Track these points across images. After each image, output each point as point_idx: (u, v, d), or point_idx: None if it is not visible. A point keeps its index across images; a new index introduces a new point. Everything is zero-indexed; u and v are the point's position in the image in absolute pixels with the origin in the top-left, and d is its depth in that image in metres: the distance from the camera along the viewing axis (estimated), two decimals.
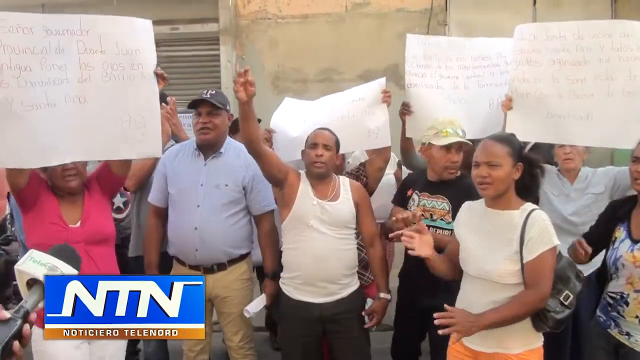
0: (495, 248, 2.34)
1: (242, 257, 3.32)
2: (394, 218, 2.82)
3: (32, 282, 1.35)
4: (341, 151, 3.43)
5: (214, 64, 8.63)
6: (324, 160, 2.91)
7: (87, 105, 2.58)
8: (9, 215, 5.02)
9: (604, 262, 2.76)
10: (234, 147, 3.28)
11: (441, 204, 3.06)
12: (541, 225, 2.28)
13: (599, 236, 2.75)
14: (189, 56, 8.89)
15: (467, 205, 2.58)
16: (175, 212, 3.22)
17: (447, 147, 3.02)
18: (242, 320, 3.31)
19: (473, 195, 2.56)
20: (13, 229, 4.82)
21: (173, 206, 3.23)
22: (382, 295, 3.06)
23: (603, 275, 2.78)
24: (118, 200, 3.90)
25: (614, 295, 2.64)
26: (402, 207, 3.15)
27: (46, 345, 2.63)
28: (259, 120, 4.62)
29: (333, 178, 3.02)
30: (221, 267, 3.23)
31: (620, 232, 2.65)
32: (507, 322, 2.27)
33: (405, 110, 3.58)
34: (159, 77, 2.79)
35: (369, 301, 3.11)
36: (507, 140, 2.42)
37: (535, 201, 2.61)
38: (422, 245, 2.42)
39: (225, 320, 3.32)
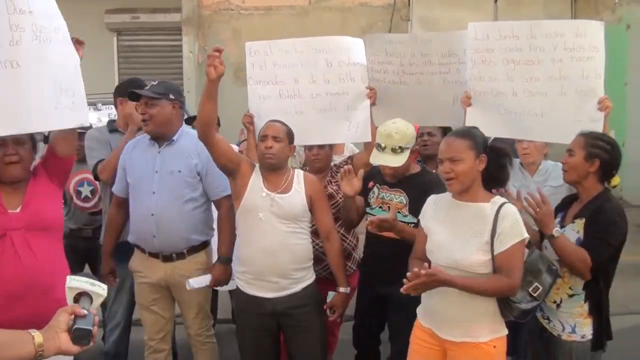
0: (465, 239, 2.34)
1: (202, 247, 3.27)
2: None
3: (78, 297, 1.57)
4: (321, 142, 3.45)
5: (176, 54, 8.54)
6: (273, 152, 2.86)
7: (20, 71, 2.37)
8: None
9: None
10: (188, 135, 3.25)
11: (398, 197, 3.08)
12: (513, 219, 2.30)
13: None
14: (151, 46, 8.77)
15: (432, 199, 2.58)
16: (134, 200, 3.20)
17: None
18: (200, 306, 3.29)
19: (431, 192, 2.59)
20: None
21: (131, 195, 3.22)
22: (341, 289, 3.04)
23: None
24: (85, 189, 3.82)
25: None
26: (364, 198, 3.18)
27: None
28: (218, 124, 4.56)
29: (287, 170, 2.96)
30: (180, 256, 3.20)
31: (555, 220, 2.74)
32: (473, 291, 2.31)
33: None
34: (76, 43, 2.66)
35: (331, 294, 3.10)
36: (468, 133, 2.43)
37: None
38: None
39: (185, 307, 3.31)
